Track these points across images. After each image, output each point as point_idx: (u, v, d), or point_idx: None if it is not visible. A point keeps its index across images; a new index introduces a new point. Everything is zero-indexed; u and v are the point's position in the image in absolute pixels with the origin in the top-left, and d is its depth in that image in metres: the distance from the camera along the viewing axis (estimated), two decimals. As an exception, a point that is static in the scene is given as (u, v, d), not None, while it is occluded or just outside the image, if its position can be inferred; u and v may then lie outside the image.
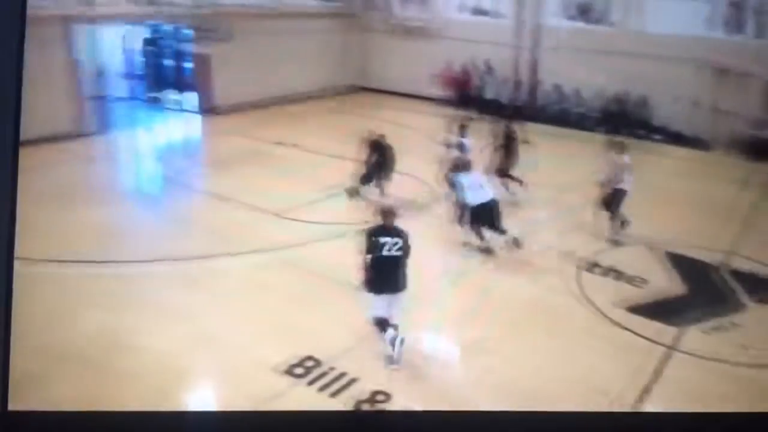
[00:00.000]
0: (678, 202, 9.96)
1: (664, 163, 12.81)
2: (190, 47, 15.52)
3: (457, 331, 6.39)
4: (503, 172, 9.86)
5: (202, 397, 5.52)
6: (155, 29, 15.16)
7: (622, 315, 6.64)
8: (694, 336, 6.31)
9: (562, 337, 6.22)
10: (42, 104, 12.30)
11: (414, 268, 7.39)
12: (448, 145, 9.64)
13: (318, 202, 9.45)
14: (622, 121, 14.31)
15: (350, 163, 11.01)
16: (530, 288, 7.20)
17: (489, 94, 15.22)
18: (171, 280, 7.28)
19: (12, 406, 1.64)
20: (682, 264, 7.84)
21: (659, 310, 6.75)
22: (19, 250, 7.74)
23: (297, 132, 10.99)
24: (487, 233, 8.00)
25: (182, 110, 15.87)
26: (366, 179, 9.65)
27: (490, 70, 15.49)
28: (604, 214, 8.59)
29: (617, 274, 7.56)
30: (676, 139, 13.84)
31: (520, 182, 9.90)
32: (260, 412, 4.44)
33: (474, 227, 7.96)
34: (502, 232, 7.90)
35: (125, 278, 7.23)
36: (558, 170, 10.97)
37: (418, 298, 6.71)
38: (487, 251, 7.95)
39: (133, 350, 5.82)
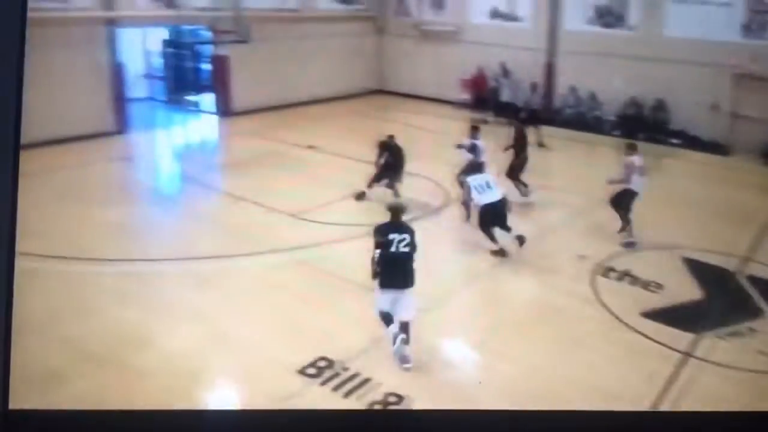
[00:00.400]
0: (695, 207, 9.84)
1: (681, 167, 12.66)
2: (209, 49, 15.66)
3: (469, 334, 6.36)
4: (513, 173, 9.81)
5: (215, 397, 5.55)
6: (175, 31, 15.30)
7: (637, 320, 6.57)
8: (711, 342, 6.23)
9: (575, 342, 6.17)
10: (64, 104, 12.54)
11: (428, 270, 7.43)
12: (461, 147, 9.62)
13: (334, 203, 9.48)
14: (638, 124, 14.18)
15: (367, 165, 11.06)
16: (544, 291, 7.15)
17: (505, 97, 15.15)
18: (187, 279, 7.34)
19: (13, 405, 1.65)
20: (698, 269, 7.74)
21: (675, 315, 6.67)
22: (37, 246, 7.93)
23: (314, 134, 11.04)
24: (498, 234, 7.99)
25: (201, 111, 16.01)
26: (376, 180, 9.65)
27: (506, 73, 15.43)
28: (615, 215, 8.53)
29: (632, 279, 7.48)
30: (694, 143, 13.66)
31: (525, 185, 9.84)
32: (268, 410, 4.45)
33: (484, 228, 7.94)
34: (508, 229, 7.92)
35: (142, 276, 7.31)
36: (573, 173, 10.91)
37: (432, 299, 6.74)
38: (500, 254, 7.92)
39: (148, 348, 5.88)
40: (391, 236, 5.62)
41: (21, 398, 5.06)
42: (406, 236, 5.64)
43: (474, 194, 7.94)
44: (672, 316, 6.65)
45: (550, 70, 15.75)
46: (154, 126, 14.92)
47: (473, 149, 9.30)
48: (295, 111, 15.60)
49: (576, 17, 15.40)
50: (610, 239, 8.45)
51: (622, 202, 8.46)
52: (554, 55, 15.74)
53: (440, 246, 8.37)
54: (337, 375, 5.56)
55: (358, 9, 17.99)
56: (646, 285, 7.34)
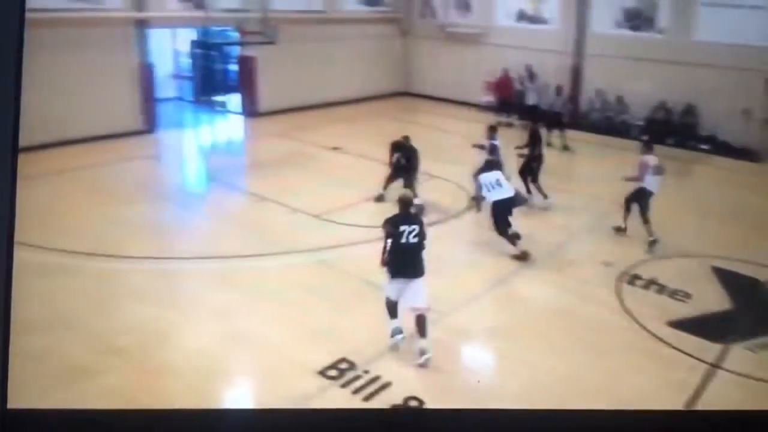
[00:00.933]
0: (724, 215, 9.60)
1: (711, 173, 12.40)
2: (236, 50, 15.79)
3: (489, 340, 6.29)
4: (526, 173, 9.71)
5: (235, 396, 5.57)
6: (203, 32, 15.46)
7: (664, 329, 6.42)
8: (740, 354, 6.05)
9: (598, 350, 6.05)
10: (95, 104, 12.76)
11: (448, 273, 7.40)
12: (481, 147, 9.54)
13: (357, 205, 9.47)
14: (667, 129, 13.91)
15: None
16: (567, 298, 7.03)
17: (531, 100, 14.97)
18: (210, 277, 7.41)
19: (12, 404, 1.66)
20: (727, 278, 7.54)
21: (703, 325, 6.50)
22: (67, 243, 8.06)
23: (339, 135, 11.06)
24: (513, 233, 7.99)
25: (227, 112, 16.16)
26: (390, 180, 9.56)
27: (532, 76, 15.25)
28: (639, 220, 8.40)
29: (659, 287, 7.32)
30: (724, 149, 13.36)
31: (540, 189, 9.72)
32: (271, 410, 4.43)
33: (500, 228, 7.96)
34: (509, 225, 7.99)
35: (167, 274, 7.39)
36: (598, 178, 10.73)
37: (452, 303, 6.69)
38: (522, 257, 7.85)
39: (172, 346, 5.94)
40: (402, 228, 5.74)
41: (45, 393, 5.16)
42: (416, 227, 5.76)
43: (484, 192, 8.01)
44: (699, 326, 6.49)
45: (576, 74, 15.55)
46: (182, 126, 15.12)
47: (492, 150, 9.27)
48: (320, 112, 15.66)
49: (604, 20, 15.16)
50: (636, 246, 8.29)
51: (637, 201, 8.40)
52: (581, 58, 15.53)
53: (461, 249, 8.31)
54: (358, 377, 5.53)
55: (383, 11, 17.98)
56: (673, 294, 7.18)
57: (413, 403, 5.23)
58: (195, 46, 16.59)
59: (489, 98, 16.02)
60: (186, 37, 16.62)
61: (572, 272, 7.62)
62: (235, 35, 14.39)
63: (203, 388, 5.37)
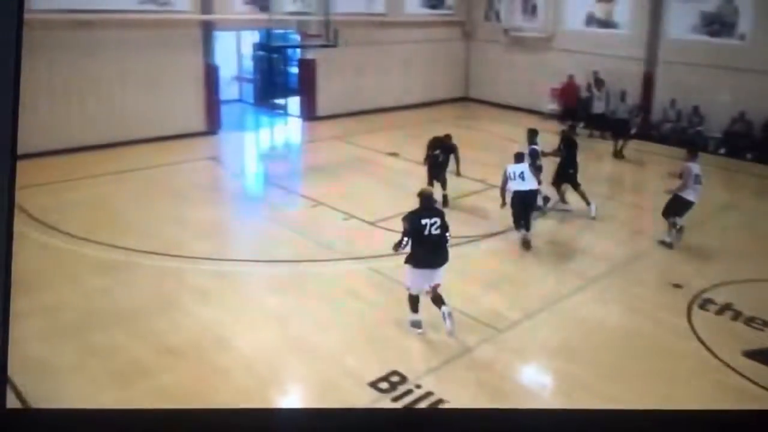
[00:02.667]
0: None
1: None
2: (297, 53, 16.08)
3: (546, 360, 6.14)
4: (560, 182, 9.67)
5: (285, 402, 5.63)
6: (266, 34, 15.81)
7: (738, 359, 6.08)
8: (824, 391, 5.67)
9: (665, 378, 5.79)
10: (161, 105, 13.26)
11: (506, 289, 7.28)
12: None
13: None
14: (747, 143, 13.24)
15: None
16: (632, 321, 6.78)
17: (597, 108, 14.54)
18: (265, 281, 7.56)
19: (11, 404, 1.72)
20: (812, 307, 7.10)
21: (782, 357, 6.14)
22: (127, 241, 8.38)
23: (397, 141, 11.09)
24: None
25: (287, 115, 16.48)
26: (432, 179, 9.67)
27: (599, 82, 14.82)
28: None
29: (734, 314, 6.95)
30: (811, 165, 12.61)
31: (563, 200, 9.77)
32: (275, 409, 4.44)
33: (513, 213, 8.49)
34: (528, 225, 8.46)
35: (224, 276, 7.57)
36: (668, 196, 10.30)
37: (507, 321, 6.57)
38: (525, 246, 8.32)
39: (226, 348, 6.07)
40: (424, 221, 6.17)
41: (101, 390, 5.37)
42: (437, 220, 6.21)
43: (508, 181, 8.46)
44: (778, 358, 6.13)
45: (648, 81, 15.03)
46: (242, 128, 15.52)
47: (532, 153, 9.40)
48: (378, 117, 15.74)
49: (679, 24, 14.55)
50: (710, 267, 7.92)
51: (673, 210, 8.32)
52: (654, 64, 15.01)
53: (519, 263, 8.16)
54: (409, 392, 5.50)
55: (445, 14, 17.89)
56: (749, 321, 6.81)
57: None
58: (257, 49, 17.00)
59: (553, 106, 15.69)
60: (249, 39, 17.06)
61: (638, 293, 7.34)
62: (297, 38, 14.66)
63: (255, 393, 5.46)
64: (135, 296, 6.91)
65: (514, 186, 8.41)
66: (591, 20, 16.08)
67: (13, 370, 5.32)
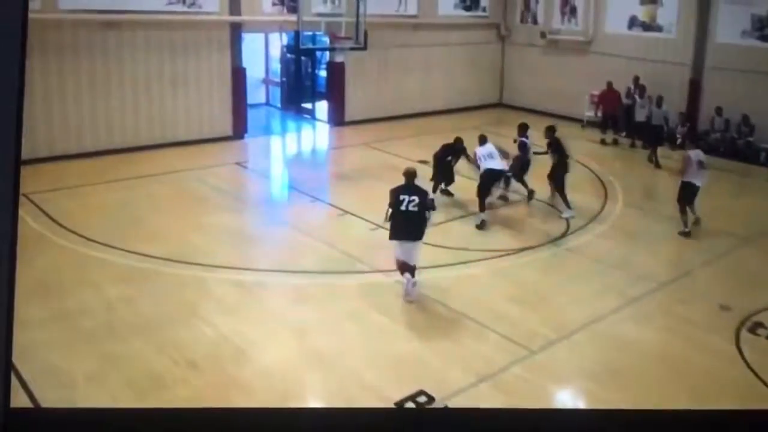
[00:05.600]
0: None
1: None
2: (326, 56, 16.13)
3: (583, 382, 5.98)
4: (559, 183, 9.89)
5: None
6: (294, 36, 15.93)
7: (791, 389, 5.84)
8: None
9: (711, 406, 5.59)
10: (188, 108, 13.44)
11: (543, 307, 7.13)
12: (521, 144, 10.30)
13: (442, 225, 9.34)
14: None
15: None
16: (676, 344, 6.57)
17: (640, 116, 14.22)
18: (287, 292, 7.55)
19: (15, 404, 1.70)
20: None
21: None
22: (148, 247, 8.44)
23: (427, 148, 10.98)
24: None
25: (315, 119, 16.53)
26: (446, 183, 10.35)
27: (641, 89, 14.50)
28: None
29: (787, 339, 6.69)
30: None
31: (531, 192, 10.24)
32: (273, 409, 4.38)
33: (480, 191, 9.35)
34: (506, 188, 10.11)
35: (245, 285, 7.59)
36: (717, 209, 10.02)
37: (544, 340, 6.43)
38: (482, 225, 9.24)
39: (245, 360, 6.07)
40: (402, 197, 6.97)
41: (116, 399, 5.40)
42: (416, 198, 6.97)
43: (479, 162, 9.36)
44: (836, 389, 5.85)
45: (695, 88, 14.68)
46: (269, 132, 15.62)
47: (522, 146, 10.17)
48: (408, 122, 15.69)
49: (729, 28, 14.17)
50: (760, 288, 7.64)
51: (683, 196, 9.03)
52: (701, 70, 14.65)
53: (556, 280, 8.00)
54: (436, 414, 5.41)
55: (480, 16, 17.75)
56: (804, 348, 6.54)
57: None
58: (286, 51, 17.11)
59: (591, 113, 15.41)
60: (277, 41, 17.18)
61: (684, 314, 7.12)
62: (326, 40, 14.72)
63: (272, 405, 5.42)
64: (156, 305, 6.96)
65: (487, 165, 9.30)
66: (634, 23, 15.79)
67: (29, 377, 5.42)
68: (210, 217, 9.55)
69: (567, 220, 9.62)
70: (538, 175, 10.34)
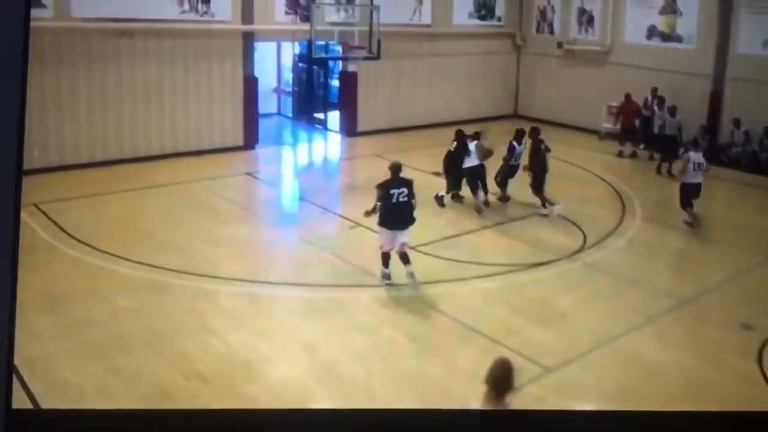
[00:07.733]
0: None
1: None
2: (338, 65, 16.24)
3: (600, 406, 5.91)
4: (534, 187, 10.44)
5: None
6: (306, 45, 16.07)
7: (817, 413, 5.76)
8: None
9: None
10: (199, 118, 13.57)
11: (557, 324, 7.10)
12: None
13: (457, 238, 9.35)
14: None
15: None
16: (696, 365, 6.49)
17: (658, 128, 14.13)
18: (298, 305, 7.57)
19: (16, 405, 1.73)
20: None
21: None
22: (158, 259, 8.50)
23: (441, 159, 11.03)
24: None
25: (327, 129, 16.60)
26: (456, 186, 10.81)
27: (660, 100, 14.44)
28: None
29: (813, 361, 6.60)
30: None
31: (507, 198, 10.87)
32: (271, 410, 4.38)
33: (469, 185, 10.53)
34: (485, 189, 10.63)
35: (256, 298, 7.62)
36: (741, 224, 9.95)
37: (557, 359, 6.39)
38: (455, 198, 10.57)
39: (255, 375, 6.09)
40: (392, 191, 7.66)
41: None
42: (404, 189, 7.69)
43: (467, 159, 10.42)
44: None
45: (715, 100, 14.61)
46: (281, 142, 15.71)
47: (511, 150, 10.74)
48: (422, 133, 15.69)
49: (750, 39, 14.11)
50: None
51: (688, 196, 9.58)
52: (722, 82, 14.58)
53: (572, 296, 7.95)
54: (448, 433, 5.38)
55: (495, 25, 17.79)
56: (830, 370, 6.45)
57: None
58: (298, 60, 17.23)
59: (609, 124, 15.36)
60: (289, 51, 17.32)
61: (704, 334, 7.04)
62: (339, 50, 14.82)
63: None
64: (165, 318, 7.00)
65: (467, 163, 10.38)
66: (653, 33, 15.76)
67: (35, 388, 5.47)
68: (221, 229, 9.61)
69: (548, 216, 10.22)
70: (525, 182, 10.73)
